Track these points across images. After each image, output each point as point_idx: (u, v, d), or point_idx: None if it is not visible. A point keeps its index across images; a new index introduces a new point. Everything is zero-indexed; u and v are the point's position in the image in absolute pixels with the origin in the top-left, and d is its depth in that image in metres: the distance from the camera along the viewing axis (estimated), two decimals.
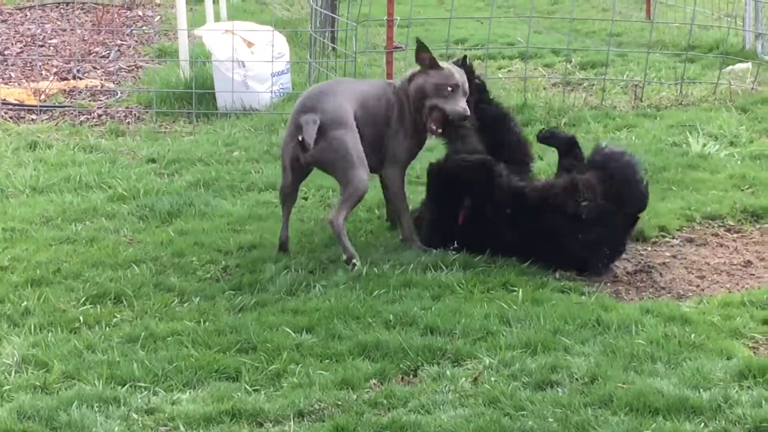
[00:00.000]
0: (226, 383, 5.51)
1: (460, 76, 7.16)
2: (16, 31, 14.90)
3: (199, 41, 11.84)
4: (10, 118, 10.86)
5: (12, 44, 14.10)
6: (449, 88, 7.08)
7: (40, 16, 15.75)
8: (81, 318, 6.25)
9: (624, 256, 7.13)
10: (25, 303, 6.45)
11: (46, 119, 10.88)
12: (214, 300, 6.48)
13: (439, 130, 7.14)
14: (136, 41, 14.65)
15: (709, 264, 7.10)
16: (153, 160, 9.36)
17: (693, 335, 5.85)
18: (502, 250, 6.91)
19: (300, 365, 5.63)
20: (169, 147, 9.68)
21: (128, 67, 13.18)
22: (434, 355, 5.73)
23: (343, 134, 6.90)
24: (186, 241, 7.39)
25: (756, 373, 5.39)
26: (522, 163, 7.25)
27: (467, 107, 7.09)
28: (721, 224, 7.75)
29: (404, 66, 11.62)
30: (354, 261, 6.82)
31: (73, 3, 16.29)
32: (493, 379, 5.45)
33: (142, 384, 5.49)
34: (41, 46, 14.09)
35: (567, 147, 7.26)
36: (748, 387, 5.30)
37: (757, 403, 5.12)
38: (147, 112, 11.00)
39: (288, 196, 7.18)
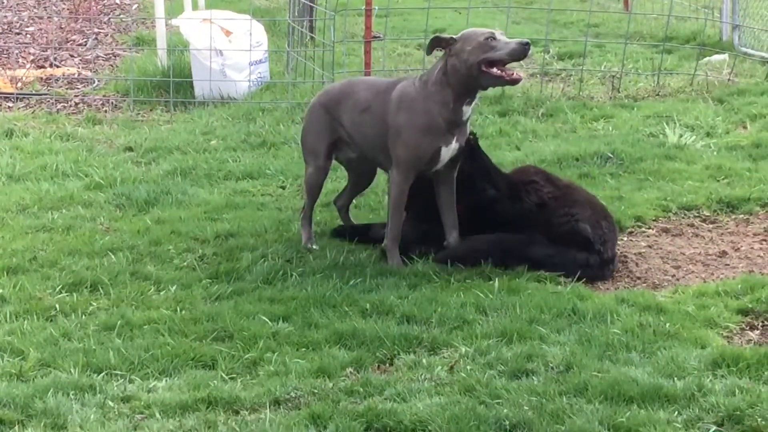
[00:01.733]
0: (202, 371, 5.51)
1: (482, 29, 6.95)
2: None
3: (176, 30, 11.81)
4: None
5: None
6: (488, 39, 6.76)
7: (17, 3, 15.69)
8: (57, 306, 6.23)
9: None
10: (1, 291, 6.43)
11: (22, 107, 10.84)
12: (191, 288, 6.48)
13: (513, 74, 6.72)
14: (114, 29, 14.60)
15: (684, 254, 7.13)
16: (130, 149, 9.35)
17: (668, 324, 5.88)
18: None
19: (276, 353, 5.63)
20: (147, 135, 9.67)
21: (105, 55, 13.14)
22: (410, 343, 5.74)
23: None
24: (163, 229, 7.38)
25: (729, 362, 5.42)
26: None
27: (516, 43, 6.73)
28: (697, 215, 7.79)
29: (382, 56, 11.63)
30: (309, 246, 7.01)
31: None
32: (468, 367, 5.46)
33: (118, 372, 5.48)
34: (18, 33, 14.03)
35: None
36: (722, 376, 5.33)
37: (730, 392, 5.14)
38: (124, 100, 10.98)
39: None
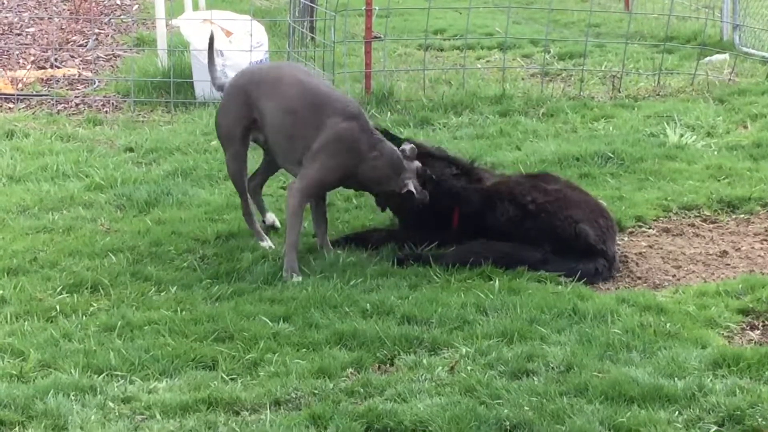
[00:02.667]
0: (202, 372, 5.51)
1: None
2: None
3: (177, 30, 11.81)
4: None
5: None
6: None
7: (18, 5, 15.68)
8: (57, 307, 6.23)
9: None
10: (2, 292, 6.43)
11: (23, 108, 10.84)
12: (191, 289, 6.48)
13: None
14: (114, 30, 14.60)
15: (685, 254, 7.13)
16: (131, 150, 9.35)
17: (668, 324, 5.88)
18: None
19: (277, 354, 5.64)
20: (147, 136, 9.66)
21: (106, 56, 13.14)
22: (411, 344, 5.74)
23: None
24: (163, 230, 7.38)
25: (730, 362, 5.42)
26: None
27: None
28: (698, 214, 7.79)
29: (383, 56, 11.63)
30: (262, 243, 7.02)
31: None
32: (469, 367, 5.46)
33: (119, 373, 5.48)
34: (18, 34, 14.03)
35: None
36: (723, 376, 5.33)
37: (731, 392, 5.15)
38: (125, 101, 10.97)
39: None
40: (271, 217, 7.44)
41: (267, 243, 7.08)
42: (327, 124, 6.68)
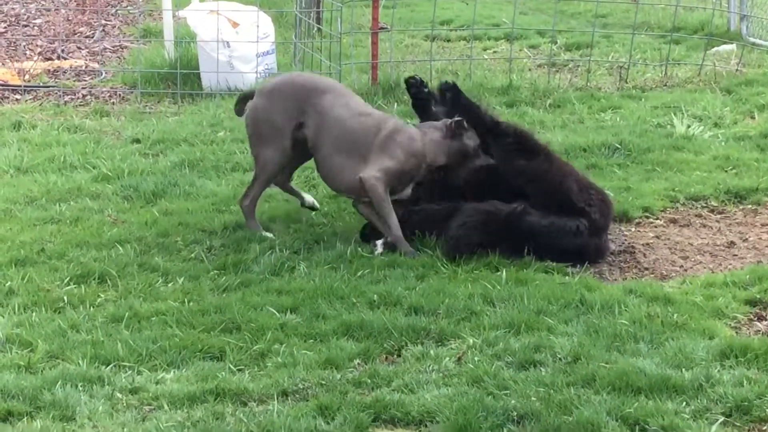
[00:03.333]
0: (210, 363, 5.52)
1: None
2: (0, 11, 14.83)
3: (184, 21, 11.80)
4: None
5: None
6: None
7: None
8: (65, 298, 6.24)
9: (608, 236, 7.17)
10: (9, 283, 6.44)
11: (30, 99, 10.85)
12: (199, 280, 6.49)
13: None
14: (121, 21, 14.60)
15: (692, 245, 7.13)
16: (138, 141, 9.35)
17: (676, 315, 5.87)
18: None
19: (284, 345, 5.64)
20: (154, 127, 9.67)
21: (113, 47, 13.14)
22: (418, 335, 5.75)
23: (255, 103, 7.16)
24: (170, 221, 7.38)
25: (738, 353, 5.42)
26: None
27: None
28: (705, 205, 7.78)
29: (389, 47, 11.62)
30: (261, 233, 7.05)
31: None
32: (476, 358, 5.46)
33: (126, 363, 5.49)
34: (25, 26, 14.03)
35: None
36: (730, 366, 5.33)
37: (738, 383, 5.14)
38: (132, 92, 10.98)
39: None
40: (309, 199, 7.49)
41: (269, 234, 7.09)
42: (386, 120, 7.03)
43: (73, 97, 10.96)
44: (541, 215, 6.73)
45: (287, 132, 7.06)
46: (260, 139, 7.13)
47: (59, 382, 5.25)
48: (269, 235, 7.08)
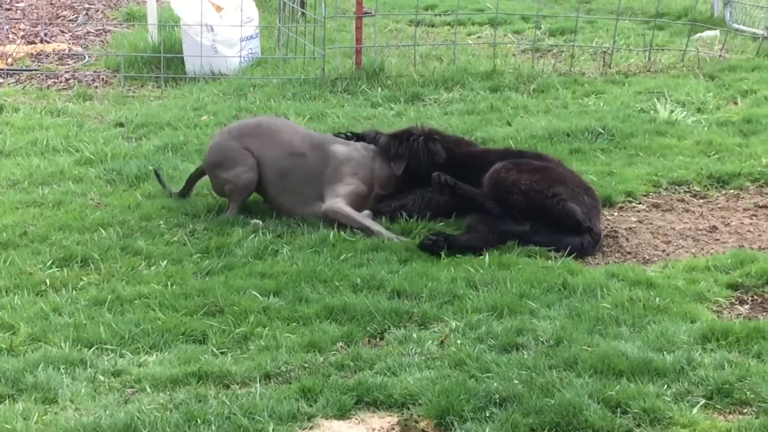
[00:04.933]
0: (192, 346, 5.51)
1: None
2: None
3: (167, 5, 11.77)
4: None
5: None
6: None
7: None
8: (47, 281, 6.23)
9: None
10: None
11: (12, 83, 10.81)
12: (182, 263, 6.48)
13: None
14: (104, 5, 14.55)
15: (674, 229, 7.14)
16: (121, 124, 9.33)
17: (658, 299, 5.89)
18: None
19: (267, 328, 5.64)
20: (137, 111, 9.65)
21: (96, 31, 13.10)
22: (401, 318, 5.75)
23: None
24: (153, 204, 7.37)
25: (719, 336, 5.44)
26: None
27: None
28: (687, 190, 7.80)
29: (373, 32, 11.61)
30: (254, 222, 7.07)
31: None
32: (459, 341, 5.47)
33: (109, 346, 5.49)
34: (8, 9, 13.97)
35: None
36: (711, 350, 5.35)
37: (719, 366, 5.16)
38: (115, 76, 10.95)
39: None
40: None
41: (257, 220, 7.09)
42: (331, 149, 7.26)
43: (56, 80, 10.93)
44: (549, 234, 6.72)
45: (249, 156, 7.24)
46: (228, 164, 7.23)
47: (41, 365, 5.24)
48: (258, 222, 7.06)
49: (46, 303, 5.94)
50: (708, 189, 7.79)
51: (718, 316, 5.83)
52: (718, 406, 4.92)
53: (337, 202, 7.10)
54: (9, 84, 10.75)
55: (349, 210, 7.05)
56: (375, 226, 6.97)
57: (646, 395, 4.92)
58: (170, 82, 10.75)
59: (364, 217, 7.04)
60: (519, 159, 7.12)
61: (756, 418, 4.80)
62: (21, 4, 14.23)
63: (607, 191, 7.56)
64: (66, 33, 12.91)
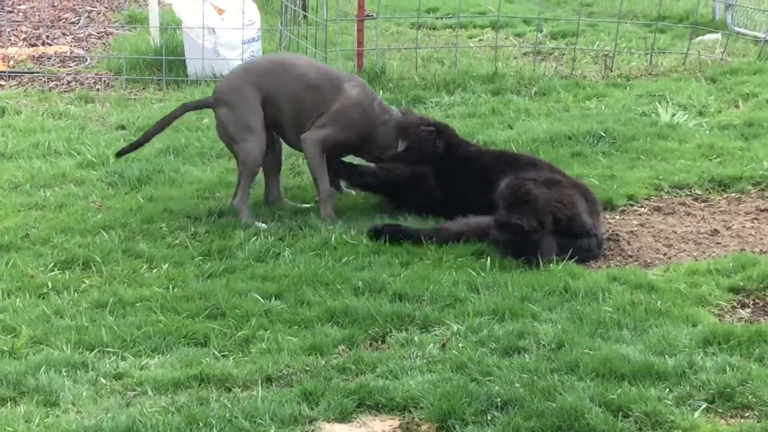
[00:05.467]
0: (194, 349, 5.52)
1: None
2: None
3: (169, 8, 11.77)
4: None
5: None
6: None
7: None
8: (49, 283, 6.24)
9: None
10: None
11: (14, 85, 10.82)
12: (183, 266, 6.48)
13: None
14: (106, 7, 14.55)
15: (676, 232, 7.14)
16: (122, 127, 9.34)
17: (659, 302, 5.89)
18: None
19: (269, 331, 5.64)
20: (139, 114, 9.65)
21: (98, 33, 13.10)
22: (403, 321, 5.75)
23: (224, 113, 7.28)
24: (155, 207, 7.38)
25: (721, 340, 5.44)
26: None
27: None
28: (689, 193, 7.80)
29: (375, 34, 11.61)
30: (257, 225, 7.08)
31: None
32: (460, 345, 5.47)
33: (111, 349, 5.49)
34: (10, 11, 13.98)
35: None
36: (713, 353, 5.35)
37: (721, 369, 5.16)
38: (117, 78, 10.96)
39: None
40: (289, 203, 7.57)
41: (261, 223, 7.09)
42: (344, 88, 7.30)
43: (57, 83, 10.94)
44: (554, 240, 6.72)
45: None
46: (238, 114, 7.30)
47: (43, 368, 5.24)
48: (263, 225, 7.06)
49: (47, 306, 5.95)
50: (709, 192, 7.79)
51: (719, 320, 5.83)
52: (720, 410, 4.92)
53: (315, 140, 7.20)
54: (11, 86, 10.76)
55: (318, 155, 7.21)
56: (325, 187, 7.17)
57: (647, 399, 4.92)
58: (172, 84, 10.75)
59: (323, 172, 7.20)
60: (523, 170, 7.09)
61: (758, 422, 4.80)
62: (23, 7, 14.23)
63: (608, 194, 7.56)
64: (68, 35, 12.91)
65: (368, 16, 11.49)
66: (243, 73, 7.42)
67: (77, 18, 13.70)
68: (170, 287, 6.17)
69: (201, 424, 4.78)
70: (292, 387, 5.13)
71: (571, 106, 9.82)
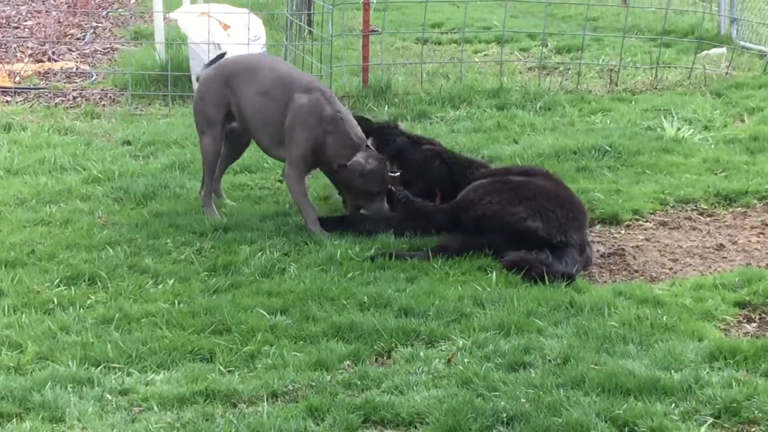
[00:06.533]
0: (200, 364, 5.51)
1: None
2: None
3: (174, 24, 11.80)
4: None
5: None
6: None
7: None
8: (55, 299, 6.24)
9: (598, 239, 7.20)
10: None
11: (20, 101, 10.84)
12: (189, 281, 6.49)
13: None
14: (112, 23, 14.60)
15: (681, 247, 7.14)
16: (128, 143, 9.35)
17: (665, 317, 5.89)
18: None
19: (274, 346, 5.64)
20: (145, 129, 9.67)
21: (104, 49, 13.14)
22: (408, 336, 5.75)
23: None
24: (161, 222, 7.38)
25: (726, 355, 5.43)
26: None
27: None
28: (694, 208, 7.80)
29: (380, 49, 11.63)
30: (214, 217, 7.38)
31: None
32: (466, 360, 5.47)
33: (116, 365, 5.49)
34: (16, 27, 14.03)
35: None
36: (719, 368, 5.34)
37: (727, 384, 5.16)
38: (122, 94, 10.98)
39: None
40: (229, 202, 7.83)
41: (222, 218, 7.39)
42: (294, 98, 7.23)
43: (63, 99, 10.96)
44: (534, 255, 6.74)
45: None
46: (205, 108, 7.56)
47: (49, 384, 5.24)
48: (223, 220, 7.34)
49: (53, 321, 5.95)
50: (715, 207, 7.79)
51: (725, 335, 5.83)
52: (726, 425, 4.92)
53: (292, 176, 7.24)
54: (17, 102, 10.79)
55: (299, 189, 7.24)
56: (312, 217, 7.18)
57: (653, 414, 4.91)
58: (177, 100, 10.77)
59: (307, 204, 7.23)
60: (501, 176, 7.12)
61: None
62: (29, 23, 14.28)
63: (614, 209, 7.56)
64: (74, 51, 12.94)
65: (373, 31, 11.52)
66: (220, 68, 7.62)
67: (83, 34, 13.73)
68: (176, 303, 6.17)
69: None
70: (297, 402, 5.13)
71: (576, 121, 9.83)
